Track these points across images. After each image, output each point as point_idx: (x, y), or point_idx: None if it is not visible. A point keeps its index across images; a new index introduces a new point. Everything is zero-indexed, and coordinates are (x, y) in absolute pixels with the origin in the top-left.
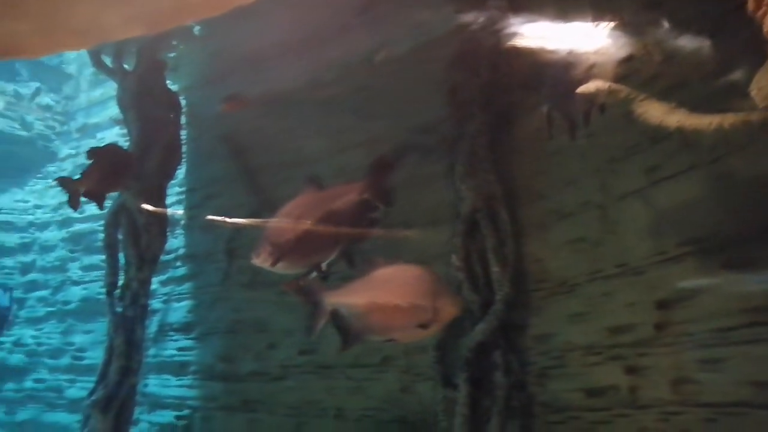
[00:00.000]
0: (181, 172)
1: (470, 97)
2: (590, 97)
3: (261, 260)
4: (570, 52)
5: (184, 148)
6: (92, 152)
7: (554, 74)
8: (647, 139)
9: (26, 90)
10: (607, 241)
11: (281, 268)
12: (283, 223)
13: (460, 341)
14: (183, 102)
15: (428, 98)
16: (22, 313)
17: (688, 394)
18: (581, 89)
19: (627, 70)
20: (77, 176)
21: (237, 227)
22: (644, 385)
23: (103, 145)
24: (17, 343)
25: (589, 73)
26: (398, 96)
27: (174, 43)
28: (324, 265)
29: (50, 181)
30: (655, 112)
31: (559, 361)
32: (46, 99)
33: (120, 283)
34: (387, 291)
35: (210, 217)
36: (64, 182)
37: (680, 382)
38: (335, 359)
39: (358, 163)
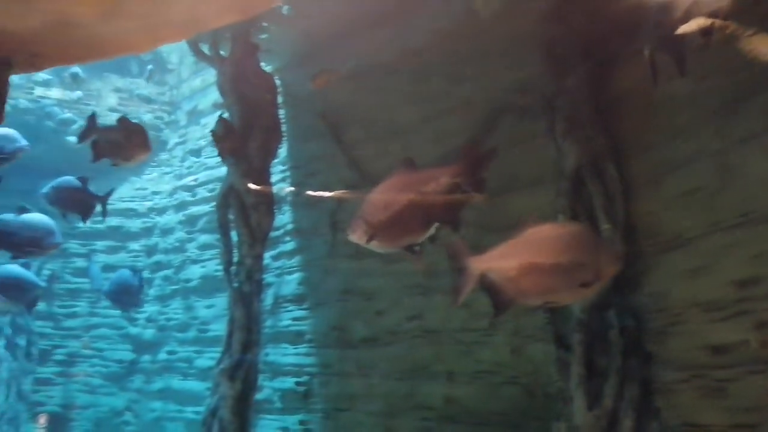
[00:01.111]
0: (282, 150)
1: (567, 50)
2: (694, 36)
3: (356, 237)
4: None
5: (283, 128)
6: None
7: (655, 15)
8: (766, 78)
9: (134, 86)
10: (726, 190)
11: (375, 246)
12: (378, 201)
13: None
14: (278, 82)
15: (522, 55)
16: (151, 292)
17: None
18: (683, 27)
19: (731, 7)
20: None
21: (339, 201)
22: None
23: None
24: (149, 319)
25: (692, 11)
26: (490, 56)
27: (265, 25)
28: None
29: (164, 168)
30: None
31: (678, 318)
32: (152, 91)
33: (235, 260)
34: (544, 251)
35: (312, 192)
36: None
37: None
38: (443, 324)
39: (453, 129)
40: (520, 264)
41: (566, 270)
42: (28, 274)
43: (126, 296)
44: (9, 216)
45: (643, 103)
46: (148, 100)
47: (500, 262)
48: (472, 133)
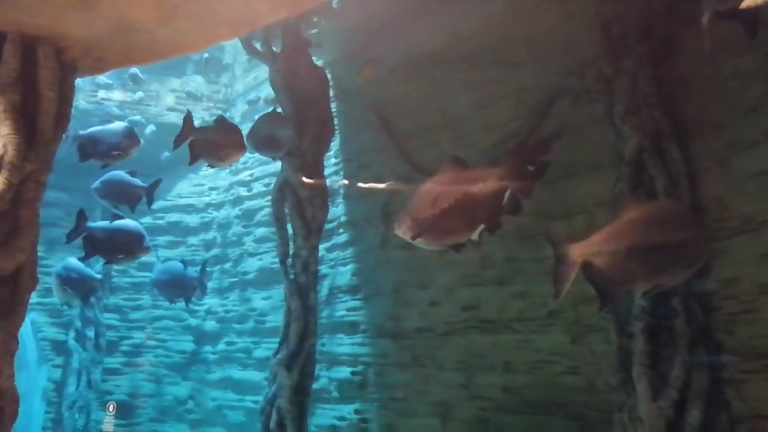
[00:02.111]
0: (335, 143)
1: (626, 29)
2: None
3: (402, 232)
4: None
5: (335, 121)
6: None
7: None
8: None
9: (190, 86)
10: None
11: (420, 242)
12: (425, 198)
13: (633, 289)
14: (329, 76)
15: (577, 37)
16: (211, 285)
17: None
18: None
19: None
20: None
21: (391, 193)
22: None
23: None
24: (209, 311)
25: None
26: (544, 40)
27: (315, 19)
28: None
29: None
30: None
31: (750, 305)
32: (207, 89)
33: (291, 252)
34: (650, 231)
35: (364, 184)
36: None
37: None
38: (499, 314)
39: (506, 117)
40: (627, 246)
41: (673, 249)
42: (86, 269)
43: (173, 288)
44: (102, 223)
45: (708, 81)
46: (203, 99)
47: (604, 246)
48: (525, 126)
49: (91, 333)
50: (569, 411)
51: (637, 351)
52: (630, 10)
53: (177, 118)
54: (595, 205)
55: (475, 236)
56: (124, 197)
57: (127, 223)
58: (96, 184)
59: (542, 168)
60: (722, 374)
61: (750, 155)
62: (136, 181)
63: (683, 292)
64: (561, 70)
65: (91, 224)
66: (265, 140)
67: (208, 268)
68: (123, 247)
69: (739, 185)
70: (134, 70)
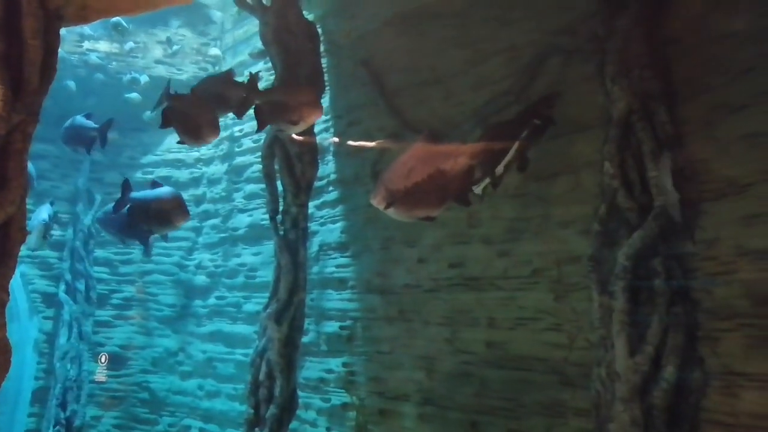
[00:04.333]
0: (325, 100)
1: None
2: None
3: (376, 202)
4: None
5: (326, 77)
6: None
7: None
8: None
9: (178, 39)
10: None
11: (392, 213)
12: (399, 170)
13: (614, 250)
14: (320, 31)
15: None
16: (200, 240)
17: None
18: None
19: None
20: None
21: (380, 150)
22: None
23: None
24: (199, 266)
25: None
26: None
27: None
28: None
29: None
30: None
31: (729, 266)
32: (196, 42)
33: (280, 208)
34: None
35: (354, 142)
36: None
37: None
38: (484, 272)
39: (498, 74)
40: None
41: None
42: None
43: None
44: (144, 192)
45: (700, 41)
46: (192, 52)
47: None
48: (516, 85)
49: (81, 286)
50: (550, 366)
51: (618, 309)
52: None
53: (165, 71)
54: (583, 165)
55: (478, 190)
56: (80, 140)
57: (166, 190)
58: (61, 131)
59: (545, 124)
60: (698, 332)
61: (737, 118)
62: (90, 123)
63: (664, 252)
64: (553, 28)
65: (133, 194)
66: (211, 97)
67: (197, 223)
68: (164, 215)
69: (725, 148)
70: (118, 19)
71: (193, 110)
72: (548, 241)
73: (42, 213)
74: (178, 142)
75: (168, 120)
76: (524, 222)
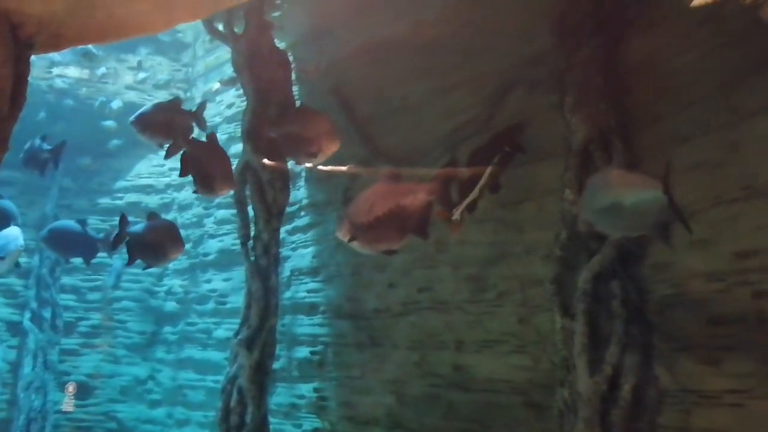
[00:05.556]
0: None
1: (580, 23)
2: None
3: (341, 235)
4: None
5: (297, 104)
6: None
7: None
8: None
9: (149, 63)
10: (731, 163)
11: (356, 246)
12: (362, 206)
13: (576, 273)
14: (291, 59)
15: (535, 28)
16: (171, 266)
17: None
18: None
19: None
20: None
21: (351, 176)
22: None
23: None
24: (169, 292)
25: None
26: (503, 29)
27: (277, 2)
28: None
29: None
30: None
31: (680, 289)
32: (166, 70)
33: (252, 234)
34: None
35: (325, 168)
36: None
37: None
38: (452, 296)
39: (465, 103)
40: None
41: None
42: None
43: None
44: (140, 226)
45: (653, 76)
46: (163, 79)
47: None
48: (481, 114)
49: (47, 313)
50: (515, 387)
51: (578, 331)
52: (585, 4)
53: (136, 97)
54: (546, 192)
55: (456, 216)
56: (34, 162)
57: (163, 223)
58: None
59: (515, 151)
60: (653, 353)
61: (686, 148)
62: (44, 145)
63: (622, 275)
64: (517, 60)
65: (131, 229)
66: (156, 125)
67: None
68: (161, 248)
69: (677, 177)
70: (88, 47)
71: (208, 160)
72: (513, 265)
73: (17, 238)
74: (194, 192)
75: (186, 168)
76: (490, 247)
